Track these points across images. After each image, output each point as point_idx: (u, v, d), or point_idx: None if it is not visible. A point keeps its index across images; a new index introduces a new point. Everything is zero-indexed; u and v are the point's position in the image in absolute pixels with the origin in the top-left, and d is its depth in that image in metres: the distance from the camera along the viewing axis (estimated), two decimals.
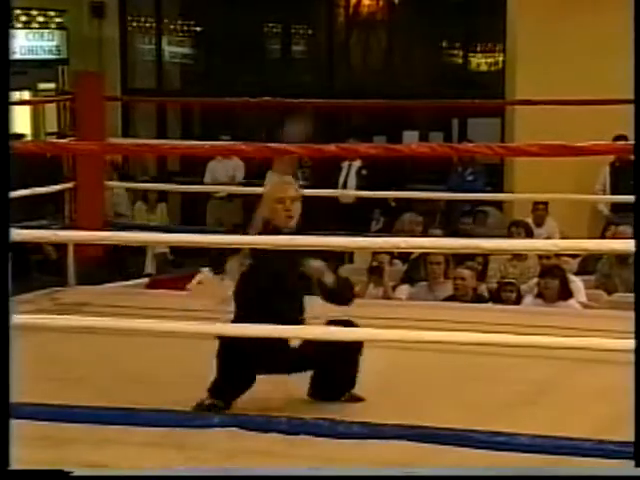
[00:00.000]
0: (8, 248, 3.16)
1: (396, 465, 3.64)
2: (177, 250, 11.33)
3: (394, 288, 8.30)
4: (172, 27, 15.11)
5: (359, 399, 4.37)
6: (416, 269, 8.48)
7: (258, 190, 10.03)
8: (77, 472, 2.94)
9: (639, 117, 3.23)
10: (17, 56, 14.86)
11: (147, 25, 15.01)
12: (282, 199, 4.40)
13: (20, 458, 3.05)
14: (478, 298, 7.61)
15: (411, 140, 12.50)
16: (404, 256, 8.84)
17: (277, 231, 4.36)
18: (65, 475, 2.96)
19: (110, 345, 4.97)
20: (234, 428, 2.98)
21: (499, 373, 4.85)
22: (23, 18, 14.98)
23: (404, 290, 8.20)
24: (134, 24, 14.98)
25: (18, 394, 3.61)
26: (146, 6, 14.95)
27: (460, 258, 7.91)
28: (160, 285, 8.02)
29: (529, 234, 9.14)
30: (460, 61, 13.51)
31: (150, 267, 11.40)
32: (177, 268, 11.03)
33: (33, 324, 4.26)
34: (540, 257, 8.13)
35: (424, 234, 9.25)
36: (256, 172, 12.76)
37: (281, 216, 4.39)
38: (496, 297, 7.83)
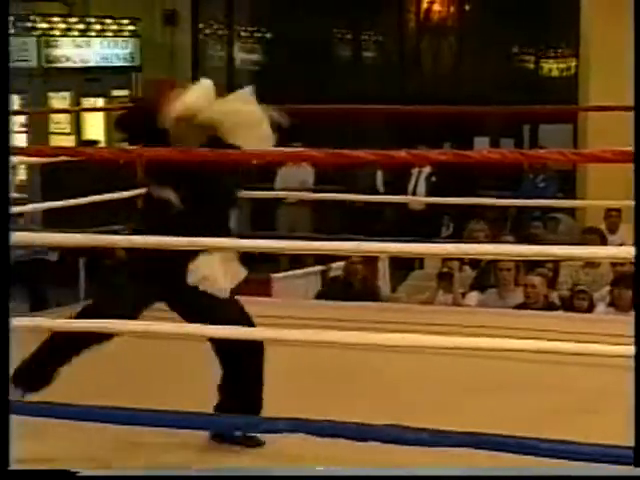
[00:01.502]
0: (9, 249, 3.07)
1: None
2: (246, 256, 11.36)
3: (464, 295, 8.25)
4: (243, 34, 15.21)
5: None
6: (486, 276, 8.42)
7: (328, 196, 10.16)
8: (80, 472, 2.90)
9: (639, 120, 3.17)
10: (92, 64, 15.10)
11: (219, 32, 15.13)
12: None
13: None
14: (549, 305, 7.54)
15: (482, 146, 12.43)
16: (474, 263, 8.78)
17: None
18: (66, 475, 2.90)
19: (176, 351, 5.00)
20: (301, 433, 2.99)
21: (566, 381, 4.80)
22: (98, 27, 15.19)
23: (474, 297, 8.15)
24: (206, 31, 15.11)
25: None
26: (218, 14, 15.06)
27: (530, 265, 7.83)
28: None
29: (602, 241, 9.03)
30: (532, 67, 13.41)
31: None
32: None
33: (102, 327, 4.29)
34: (613, 264, 8.02)
35: (493, 241, 9.17)
36: (326, 178, 12.79)
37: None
38: (568, 305, 7.75)
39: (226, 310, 4.05)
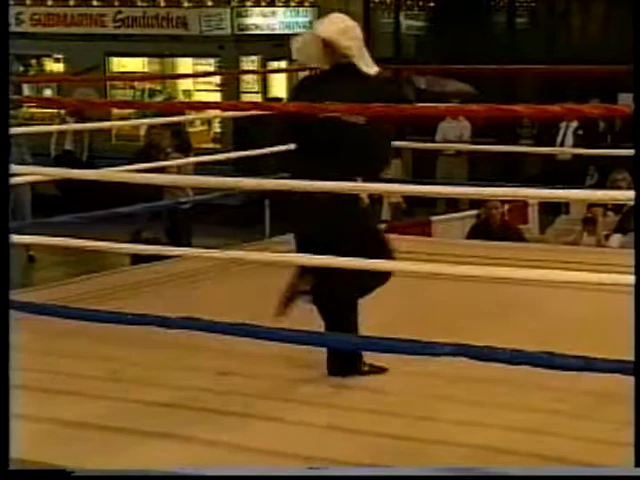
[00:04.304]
0: (8, 245, 2.93)
1: (605, 394, 3.54)
2: (410, 200, 11.35)
3: (607, 237, 8.02)
4: (409, 3, 15.04)
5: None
6: (628, 220, 8.15)
7: (484, 148, 10.00)
8: (77, 472, 2.76)
9: (638, 114, 2.95)
10: (277, 31, 15.26)
11: (387, 1, 15.01)
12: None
13: None
14: None
15: (626, 102, 11.99)
16: (617, 208, 8.51)
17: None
18: (65, 475, 2.76)
19: None
20: (462, 357, 2.98)
21: None
22: None
23: (616, 239, 7.91)
24: (376, 1, 15.01)
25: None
26: None
27: None
28: (395, 230, 8.04)
29: None
30: None
31: (386, 214, 11.48)
32: (409, 216, 11.06)
33: (287, 261, 4.33)
34: None
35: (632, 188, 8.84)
36: (481, 132, 12.59)
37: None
38: None
39: None
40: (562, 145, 11.67)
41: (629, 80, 12.72)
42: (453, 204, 10.74)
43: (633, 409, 2.64)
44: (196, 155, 10.34)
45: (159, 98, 15.29)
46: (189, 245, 8.96)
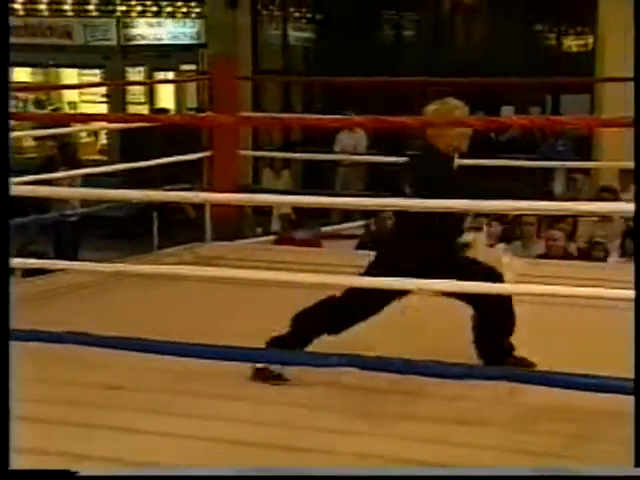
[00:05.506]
0: (8, 244, 2.88)
1: (496, 400, 3.59)
2: (300, 211, 11.37)
3: (492, 246, 8.19)
4: (297, 15, 15.13)
5: None
6: (511, 230, 8.38)
7: (374, 159, 10.06)
8: (79, 473, 2.72)
9: (639, 115, 3.09)
10: (164, 42, 15.17)
11: (275, 13, 15.06)
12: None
13: None
14: (568, 256, 7.47)
15: (508, 114, 12.33)
16: (500, 218, 8.72)
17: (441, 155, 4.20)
18: (66, 475, 2.73)
19: (239, 294, 5.00)
20: (352, 368, 2.98)
21: (590, 325, 4.75)
22: (169, 9, 15.20)
23: (500, 248, 8.09)
24: (264, 12, 15.04)
25: (157, 333, 3.67)
26: None
27: (551, 221, 7.76)
28: (285, 242, 8.06)
29: (616, 198, 8.90)
30: (554, 42, 13.26)
31: (276, 226, 11.48)
32: (299, 228, 11.06)
33: (175, 274, 4.30)
34: (625, 219, 7.92)
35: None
36: (377, 143, 12.74)
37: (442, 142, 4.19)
38: (585, 255, 7.66)
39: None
40: None
41: (510, 93, 12.99)
42: (347, 215, 10.77)
43: (633, 411, 2.67)
44: (83, 167, 10.16)
45: (47, 109, 15.00)
46: (75, 258, 8.80)
